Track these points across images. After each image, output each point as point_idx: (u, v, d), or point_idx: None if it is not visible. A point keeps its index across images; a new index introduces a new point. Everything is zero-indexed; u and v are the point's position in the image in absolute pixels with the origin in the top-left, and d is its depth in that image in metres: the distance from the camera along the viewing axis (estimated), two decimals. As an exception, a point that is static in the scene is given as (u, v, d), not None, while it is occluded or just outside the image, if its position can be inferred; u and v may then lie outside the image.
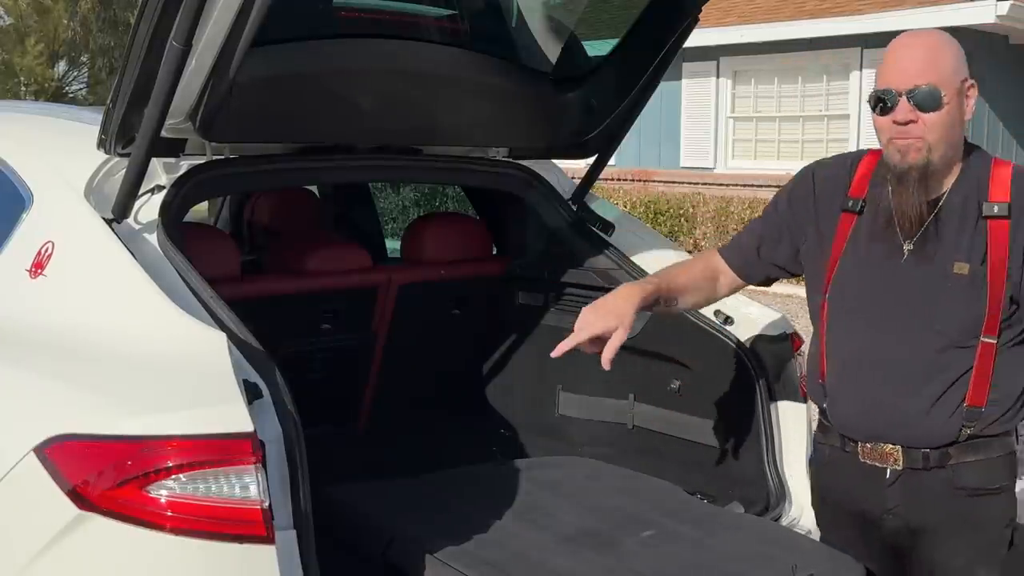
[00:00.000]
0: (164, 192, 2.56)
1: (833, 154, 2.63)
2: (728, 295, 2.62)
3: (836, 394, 2.34)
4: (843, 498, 2.40)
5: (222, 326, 2.19)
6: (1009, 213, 2.19)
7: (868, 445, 2.30)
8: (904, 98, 2.16)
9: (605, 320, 2.32)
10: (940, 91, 2.15)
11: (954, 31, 12.62)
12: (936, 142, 2.17)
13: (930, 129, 2.16)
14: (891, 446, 2.27)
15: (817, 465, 2.50)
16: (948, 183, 2.25)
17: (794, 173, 2.56)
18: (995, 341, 2.20)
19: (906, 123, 2.17)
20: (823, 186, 2.41)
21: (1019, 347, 2.24)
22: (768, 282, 2.55)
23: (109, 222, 2.43)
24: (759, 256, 2.49)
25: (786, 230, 2.46)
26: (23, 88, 21.28)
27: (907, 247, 2.25)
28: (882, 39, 12.85)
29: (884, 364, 2.25)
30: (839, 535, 2.46)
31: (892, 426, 2.26)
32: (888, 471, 2.28)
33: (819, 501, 2.53)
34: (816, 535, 2.61)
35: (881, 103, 2.19)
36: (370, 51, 2.89)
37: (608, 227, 3.36)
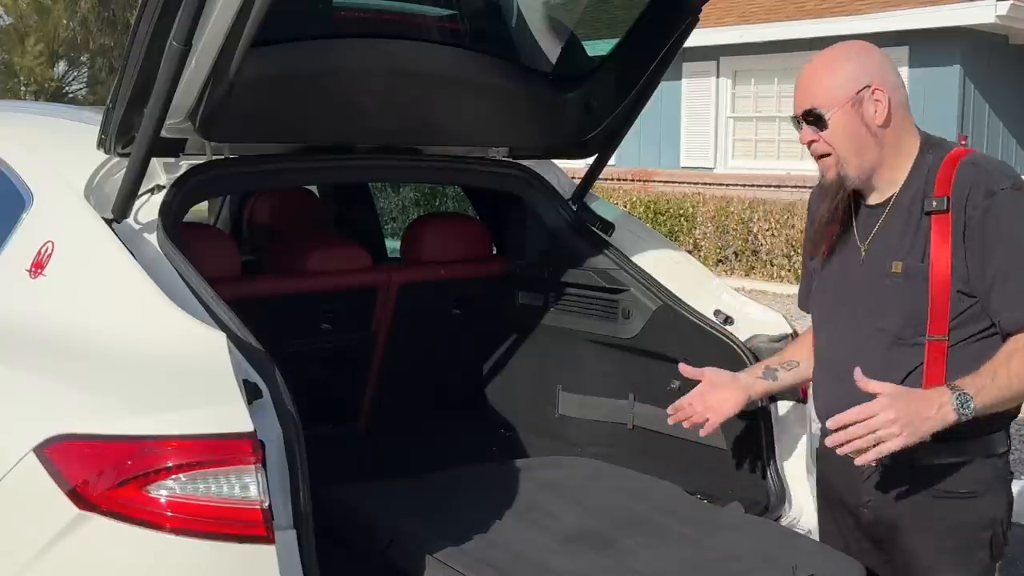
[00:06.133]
0: (164, 192, 2.56)
1: None
2: None
3: (814, 391, 2.47)
4: (828, 490, 2.49)
5: (222, 326, 2.18)
6: (948, 206, 2.18)
7: None
8: (802, 121, 2.29)
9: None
10: (822, 110, 2.24)
11: (954, 31, 12.57)
12: (845, 155, 2.26)
13: (833, 145, 2.26)
14: None
15: (817, 456, 2.56)
16: (898, 182, 2.28)
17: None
18: (945, 339, 2.20)
19: (809, 143, 2.29)
20: (813, 202, 2.54)
21: (980, 345, 2.20)
22: None
23: (109, 222, 2.43)
24: (811, 290, 2.55)
25: (808, 257, 2.57)
26: (23, 88, 21.28)
27: (862, 250, 2.32)
28: (882, 39, 12.84)
29: (840, 363, 2.31)
30: (824, 525, 2.53)
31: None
32: (864, 465, 2.29)
33: (818, 492, 2.58)
34: (816, 535, 2.61)
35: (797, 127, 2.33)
36: (370, 51, 2.89)
37: (608, 227, 3.36)
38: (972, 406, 2.08)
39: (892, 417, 2.06)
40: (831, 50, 2.33)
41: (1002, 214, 2.15)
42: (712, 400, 2.61)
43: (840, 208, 2.33)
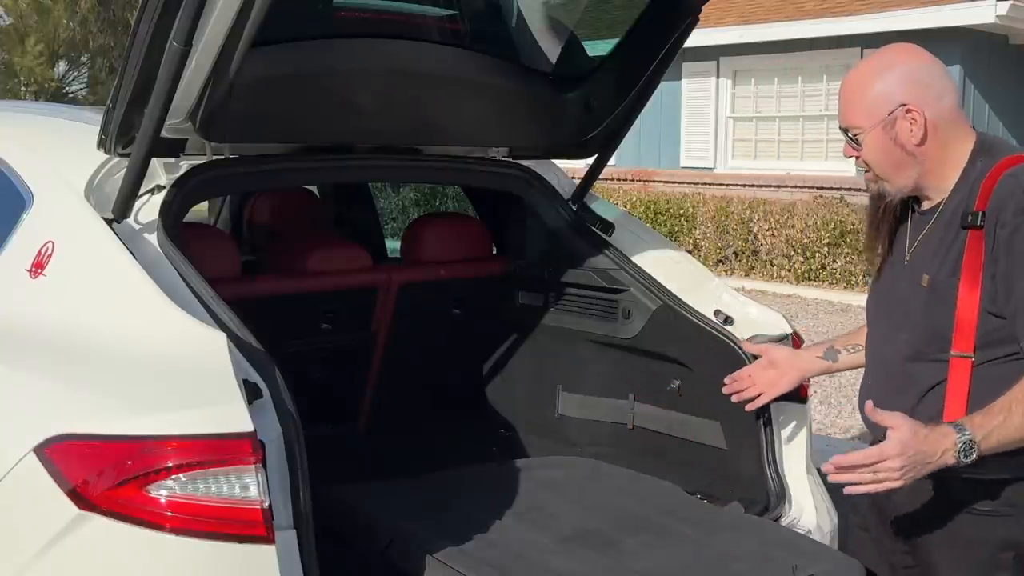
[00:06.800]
0: (164, 192, 2.56)
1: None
2: None
3: (861, 389, 2.41)
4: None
5: (222, 326, 2.18)
6: (982, 221, 2.12)
7: None
8: (845, 136, 2.27)
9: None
10: (857, 130, 2.22)
11: (954, 31, 12.57)
12: (883, 172, 2.24)
13: (869, 164, 2.24)
14: None
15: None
16: (946, 190, 2.23)
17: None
18: (970, 357, 2.14)
19: (853, 157, 2.29)
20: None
21: (1010, 367, 2.12)
22: None
23: (109, 222, 2.43)
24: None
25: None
26: (23, 88, 21.27)
27: (907, 256, 2.29)
28: (882, 39, 12.84)
29: (874, 370, 2.33)
30: (862, 526, 2.50)
31: (882, 430, 2.27)
32: None
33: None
34: (816, 535, 2.62)
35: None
36: (370, 51, 2.89)
37: (608, 227, 3.35)
38: (975, 454, 2.03)
39: (899, 465, 2.02)
40: (872, 61, 2.28)
41: None
42: (768, 376, 2.67)
43: (887, 214, 2.31)
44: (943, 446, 2.03)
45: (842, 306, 10.54)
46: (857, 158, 2.26)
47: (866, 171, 2.27)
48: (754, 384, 2.71)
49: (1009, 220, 2.08)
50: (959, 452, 2.03)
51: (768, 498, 2.86)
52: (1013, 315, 2.10)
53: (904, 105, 2.17)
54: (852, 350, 2.60)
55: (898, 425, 2.04)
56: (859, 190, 11.37)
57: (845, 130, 2.25)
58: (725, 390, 2.74)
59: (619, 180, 14.97)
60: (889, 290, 2.34)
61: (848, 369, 2.66)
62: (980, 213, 2.12)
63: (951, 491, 2.22)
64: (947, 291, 2.16)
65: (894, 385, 2.26)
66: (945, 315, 2.16)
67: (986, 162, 2.20)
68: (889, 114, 2.17)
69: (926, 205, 2.28)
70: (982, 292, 2.12)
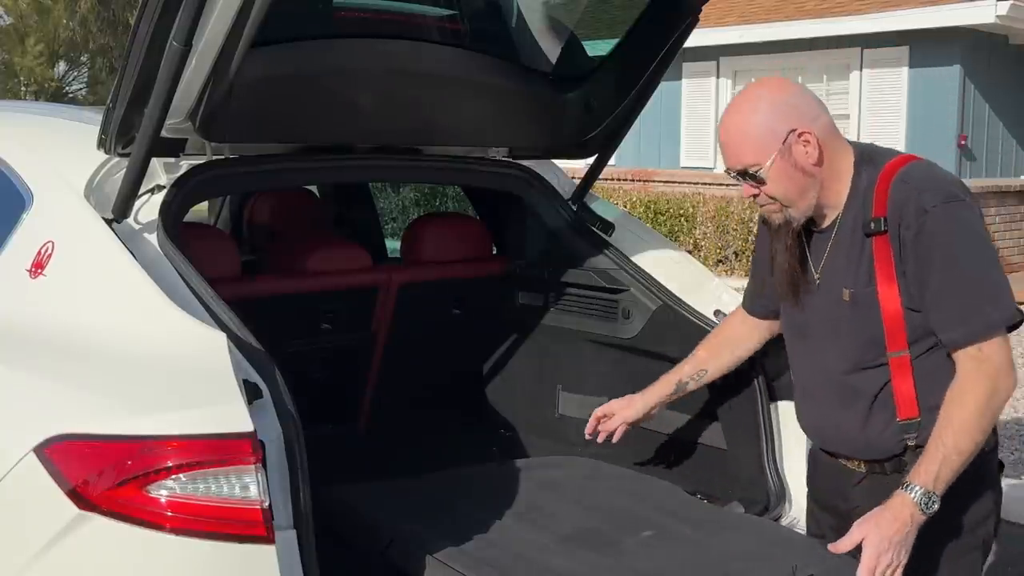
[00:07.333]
0: (164, 192, 2.56)
1: None
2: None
3: (797, 409, 2.51)
4: (817, 494, 2.51)
5: (222, 326, 2.18)
6: (885, 226, 2.18)
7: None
8: (740, 178, 2.26)
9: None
10: (756, 167, 2.22)
11: (954, 31, 12.56)
12: (787, 200, 2.25)
13: (774, 196, 2.25)
14: (847, 456, 2.36)
15: (807, 463, 2.59)
16: (840, 205, 2.28)
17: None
18: (907, 354, 2.21)
19: (752, 196, 2.30)
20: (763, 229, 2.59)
21: (942, 354, 2.20)
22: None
23: (109, 222, 2.43)
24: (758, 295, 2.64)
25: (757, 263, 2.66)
26: (23, 88, 21.29)
27: (817, 276, 2.34)
28: (882, 39, 12.87)
29: (815, 388, 2.38)
30: (813, 529, 2.55)
31: (838, 442, 2.37)
32: (854, 472, 2.35)
33: (808, 497, 2.60)
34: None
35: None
36: (370, 51, 2.89)
37: (608, 227, 3.35)
38: (936, 501, 2.10)
39: (887, 562, 2.08)
40: (744, 102, 2.28)
41: (935, 233, 2.14)
42: (620, 405, 2.79)
43: (793, 243, 2.34)
44: (906, 514, 2.09)
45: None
46: (756, 196, 2.28)
47: (763, 205, 2.30)
48: (613, 415, 2.80)
49: (912, 222, 2.15)
50: (922, 508, 2.09)
51: (768, 498, 2.86)
52: (927, 310, 2.17)
53: (794, 130, 2.20)
54: (697, 378, 2.74)
55: (860, 535, 2.10)
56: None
57: (742, 173, 2.25)
58: (587, 430, 2.82)
59: (619, 180, 14.97)
60: (806, 311, 2.37)
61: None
62: (882, 219, 2.19)
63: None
64: (869, 300, 2.22)
65: (838, 400, 2.31)
66: (874, 322, 2.22)
67: (870, 170, 2.26)
68: (783, 142, 2.20)
69: (824, 223, 2.32)
70: (900, 292, 2.18)
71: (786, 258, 2.34)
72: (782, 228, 2.31)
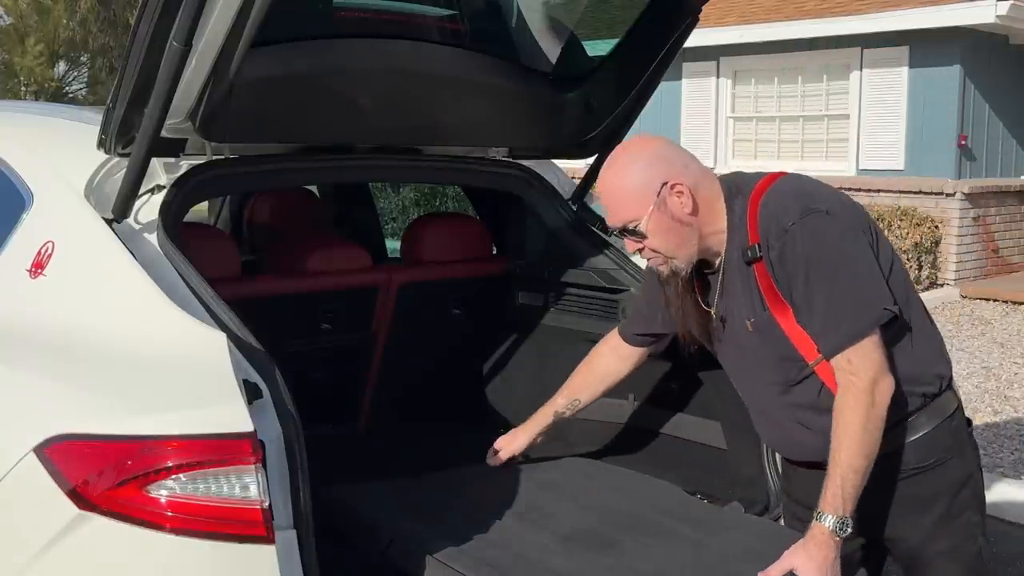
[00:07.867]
0: (164, 192, 2.56)
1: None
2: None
3: (757, 429, 2.56)
4: (796, 494, 2.53)
5: (222, 326, 2.18)
6: (760, 252, 2.24)
7: None
8: (622, 235, 2.33)
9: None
10: (635, 222, 2.27)
11: (954, 31, 12.51)
12: (670, 251, 2.31)
13: (657, 249, 2.31)
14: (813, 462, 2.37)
15: (781, 469, 2.64)
16: (723, 242, 2.33)
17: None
18: (826, 359, 2.24)
19: (637, 251, 2.37)
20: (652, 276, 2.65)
21: None
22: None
23: (109, 222, 2.43)
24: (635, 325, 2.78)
25: (644, 302, 2.78)
26: (23, 88, 21.27)
27: (713, 314, 2.40)
28: (882, 39, 12.83)
29: (764, 410, 2.44)
30: (801, 526, 2.51)
31: (801, 452, 2.41)
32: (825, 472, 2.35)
33: (784, 495, 2.63)
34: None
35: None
36: (370, 51, 2.89)
37: (608, 227, 3.35)
38: (849, 524, 2.13)
39: None
40: (617, 162, 2.34)
41: (796, 250, 2.19)
42: (500, 444, 2.93)
43: (684, 290, 2.39)
44: (828, 544, 2.13)
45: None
46: (641, 250, 2.34)
47: (650, 258, 2.35)
48: (501, 450, 2.92)
49: (775, 243, 2.22)
50: (838, 533, 2.13)
51: (768, 498, 2.86)
52: (804, 325, 2.23)
53: (666, 182, 2.25)
54: (572, 407, 2.86)
55: (789, 565, 2.14)
56: (859, 190, 11.37)
57: (624, 229, 2.31)
58: (490, 461, 2.91)
59: (619, 180, 14.96)
60: (726, 346, 2.43)
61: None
62: (755, 246, 2.25)
63: (898, 462, 2.31)
64: (770, 324, 2.28)
65: (786, 416, 2.38)
66: (783, 343, 2.28)
67: (740, 201, 2.31)
68: (658, 195, 2.25)
69: (714, 262, 2.37)
70: (793, 310, 2.24)
71: (679, 305, 2.42)
72: (671, 279, 2.37)
